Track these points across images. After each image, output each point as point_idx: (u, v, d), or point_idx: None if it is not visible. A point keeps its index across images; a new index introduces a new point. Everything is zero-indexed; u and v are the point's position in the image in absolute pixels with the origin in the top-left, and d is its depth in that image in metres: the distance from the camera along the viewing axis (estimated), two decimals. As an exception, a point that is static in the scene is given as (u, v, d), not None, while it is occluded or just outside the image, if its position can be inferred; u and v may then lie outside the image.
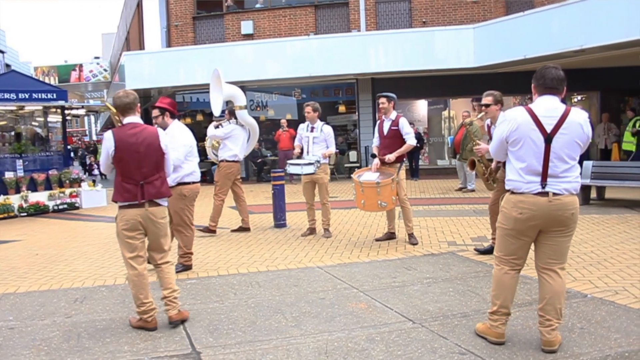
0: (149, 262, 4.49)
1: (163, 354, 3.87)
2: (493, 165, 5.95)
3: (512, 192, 3.69)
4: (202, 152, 9.80)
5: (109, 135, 4.27)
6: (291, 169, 7.82)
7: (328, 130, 7.84)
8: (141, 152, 4.27)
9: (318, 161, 7.63)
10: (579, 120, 3.55)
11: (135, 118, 4.41)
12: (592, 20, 12.12)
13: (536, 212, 3.56)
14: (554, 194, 3.53)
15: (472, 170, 6.19)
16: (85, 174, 21.84)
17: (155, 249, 4.48)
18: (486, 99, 6.00)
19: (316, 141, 7.78)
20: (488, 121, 6.19)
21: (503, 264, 3.78)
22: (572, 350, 3.62)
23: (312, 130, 7.83)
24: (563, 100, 3.67)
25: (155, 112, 6.03)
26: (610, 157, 14.86)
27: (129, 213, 4.28)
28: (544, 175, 3.54)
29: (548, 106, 3.58)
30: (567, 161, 3.54)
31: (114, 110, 4.48)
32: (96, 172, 17.86)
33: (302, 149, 7.90)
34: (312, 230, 8.07)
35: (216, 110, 8.39)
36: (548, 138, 3.52)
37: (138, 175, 4.26)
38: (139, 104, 4.49)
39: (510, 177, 3.70)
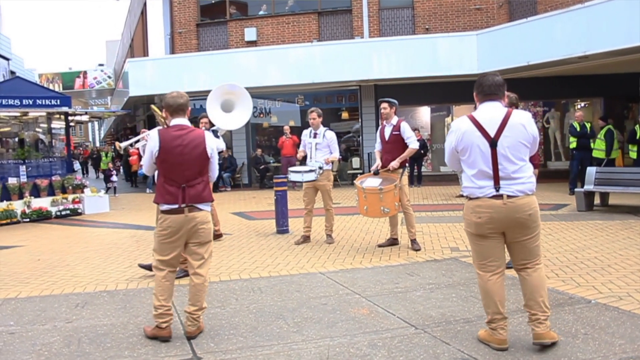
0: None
1: (164, 359, 3.85)
2: None
3: (469, 198, 3.77)
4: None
5: (154, 135, 4.16)
6: (292, 177, 7.80)
7: (331, 135, 7.82)
8: (185, 154, 4.13)
9: (321, 167, 7.60)
10: (521, 121, 3.66)
11: (183, 120, 4.27)
12: (595, 27, 12.12)
13: (493, 215, 3.65)
14: (508, 196, 3.62)
15: None
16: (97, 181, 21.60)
17: (193, 255, 4.27)
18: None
19: (319, 147, 7.76)
20: None
21: (482, 270, 3.82)
22: (576, 356, 3.58)
23: (315, 137, 7.82)
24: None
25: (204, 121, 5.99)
26: (613, 164, 14.79)
27: (169, 219, 4.11)
28: (496, 179, 3.64)
29: (489, 111, 3.71)
30: (515, 162, 3.63)
31: (159, 112, 4.42)
32: (115, 178, 17.13)
33: (305, 155, 7.90)
34: (305, 238, 7.93)
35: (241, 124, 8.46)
36: (493, 142, 3.63)
37: (180, 178, 4.12)
38: (190, 107, 4.38)
39: (465, 184, 3.82)
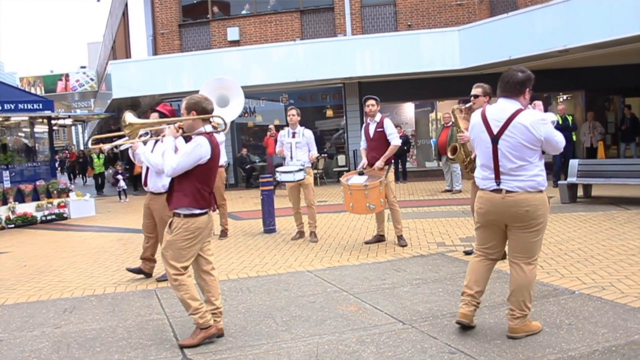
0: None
1: (153, 362, 3.86)
2: (473, 155, 6.01)
3: (478, 188, 3.94)
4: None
5: (205, 143, 4.05)
6: (283, 177, 7.82)
7: (309, 134, 7.94)
8: (217, 162, 4.22)
9: (303, 165, 7.73)
10: (525, 122, 3.65)
11: (210, 127, 4.30)
12: (575, 21, 12.25)
13: (491, 208, 3.79)
14: (507, 191, 3.71)
15: (452, 155, 6.25)
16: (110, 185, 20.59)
17: (207, 252, 4.29)
18: (476, 90, 6.09)
19: (299, 146, 7.85)
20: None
21: (478, 252, 4.03)
22: (560, 347, 3.65)
23: (293, 136, 7.89)
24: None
25: (154, 116, 5.91)
26: (596, 155, 14.99)
27: (200, 221, 4.09)
28: (497, 173, 3.75)
29: (499, 109, 3.78)
30: (514, 161, 3.69)
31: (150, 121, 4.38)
32: (123, 183, 16.17)
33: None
34: (301, 234, 8.10)
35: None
36: (494, 139, 3.73)
37: (212, 184, 4.20)
38: None
39: (475, 174, 4.00)
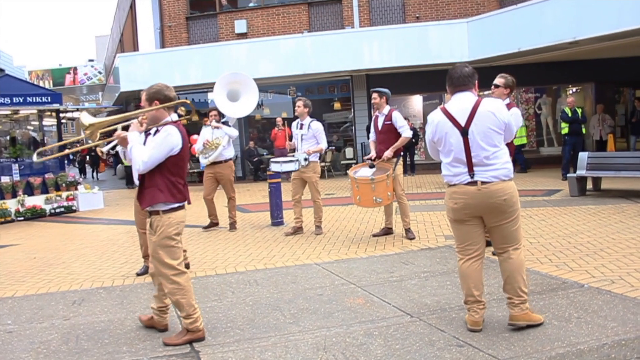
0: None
1: (162, 354, 3.88)
2: None
3: (448, 185, 3.94)
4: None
5: (175, 132, 3.88)
6: (273, 167, 8.00)
7: (317, 126, 7.79)
8: (188, 151, 4.07)
9: (306, 159, 7.61)
10: (490, 108, 3.79)
11: (175, 116, 4.12)
12: (584, 12, 12.12)
13: (468, 201, 3.80)
14: (482, 182, 3.75)
15: None
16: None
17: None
18: (498, 80, 6.07)
19: (305, 138, 7.74)
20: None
21: (461, 253, 4.01)
22: (569, 340, 3.63)
23: (301, 128, 7.82)
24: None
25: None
26: (606, 148, 14.88)
27: (179, 215, 3.97)
28: (470, 166, 3.78)
29: (460, 102, 3.86)
30: (486, 148, 3.75)
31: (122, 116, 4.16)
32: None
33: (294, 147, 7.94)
34: (297, 230, 7.94)
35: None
36: (464, 131, 3.78)
37: (185, 176, 4.05)
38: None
39: (443, 172, 3.98)
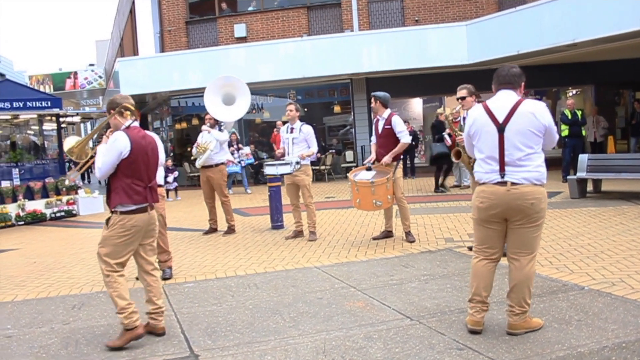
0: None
1: (161, 358, 3.87)
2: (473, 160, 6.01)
3: (478, 183, 3.89)
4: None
5: (122, 136, 4.12)
6: (267, 170, 7.99)
7: (308, 129, 7.77)
8: (149, 155, 4.27)
9: (298, 162, 7.59)
10: (531, 110, 3.73)
11: (137, 123, 4.37)
12: (583, 14, 12.14)
13: (495, 201, 3.74)
14: (512, 183, 3.69)
15: (457, 160, 6.22)
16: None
17: (149, 252, 4.36)
18: (461, 92, 6.24)
19: (296, 142, 7.72)
20: (465, 113, 6.27)
21: (478, 253, 3.96)
22: (569, 343, 3.62)
23: (291, 131, 7.80)
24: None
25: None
26: (601, 150, 14.87)
27: (135, 218, 4.12)
28: (502, 165, 3.72)
29: (501, 99, 3.83)
30: (521, 149, 3.69)
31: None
32: (171, 179, 14.24)
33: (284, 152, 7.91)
34: (297, 233, 7.94)
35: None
36: (500, 128, 3.73)
37: (146, 179, 4.21)
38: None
39: (475, 169, 3.96)
